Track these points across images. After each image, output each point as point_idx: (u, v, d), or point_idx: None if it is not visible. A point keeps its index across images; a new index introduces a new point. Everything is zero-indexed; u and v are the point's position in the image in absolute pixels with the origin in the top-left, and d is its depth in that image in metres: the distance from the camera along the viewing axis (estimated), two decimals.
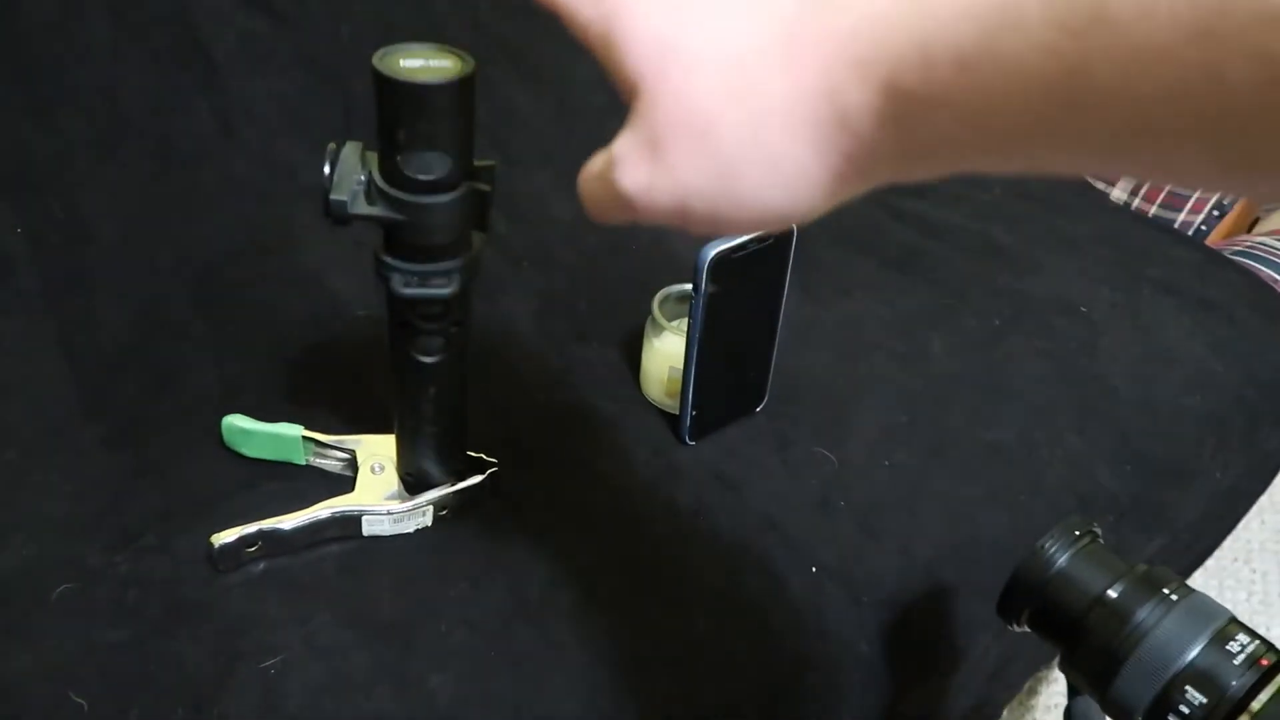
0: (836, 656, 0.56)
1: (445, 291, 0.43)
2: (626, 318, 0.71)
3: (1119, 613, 0.42)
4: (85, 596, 0.51)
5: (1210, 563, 0.99)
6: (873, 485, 0.63)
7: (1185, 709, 0.39)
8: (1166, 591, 0.42)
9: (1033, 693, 1.03)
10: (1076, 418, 0.69)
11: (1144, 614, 0.41)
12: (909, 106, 0.24)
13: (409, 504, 0.54)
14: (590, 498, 0.59)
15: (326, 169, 0.41)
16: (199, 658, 0.49)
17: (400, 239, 0.42)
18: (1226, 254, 0.92)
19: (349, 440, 0.57)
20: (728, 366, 0.63)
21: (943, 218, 0.91)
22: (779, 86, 0.26)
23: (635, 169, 0.28)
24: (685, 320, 0.60)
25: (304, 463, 0.58)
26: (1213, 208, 0.92)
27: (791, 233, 0.59)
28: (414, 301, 0.44)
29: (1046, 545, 0.45)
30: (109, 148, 0.73)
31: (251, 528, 0.52)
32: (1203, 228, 0.94)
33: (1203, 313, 0.80)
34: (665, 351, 0.64)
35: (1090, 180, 0.99)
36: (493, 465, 0.57)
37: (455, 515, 0.56)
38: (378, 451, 0.57)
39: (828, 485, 0.62)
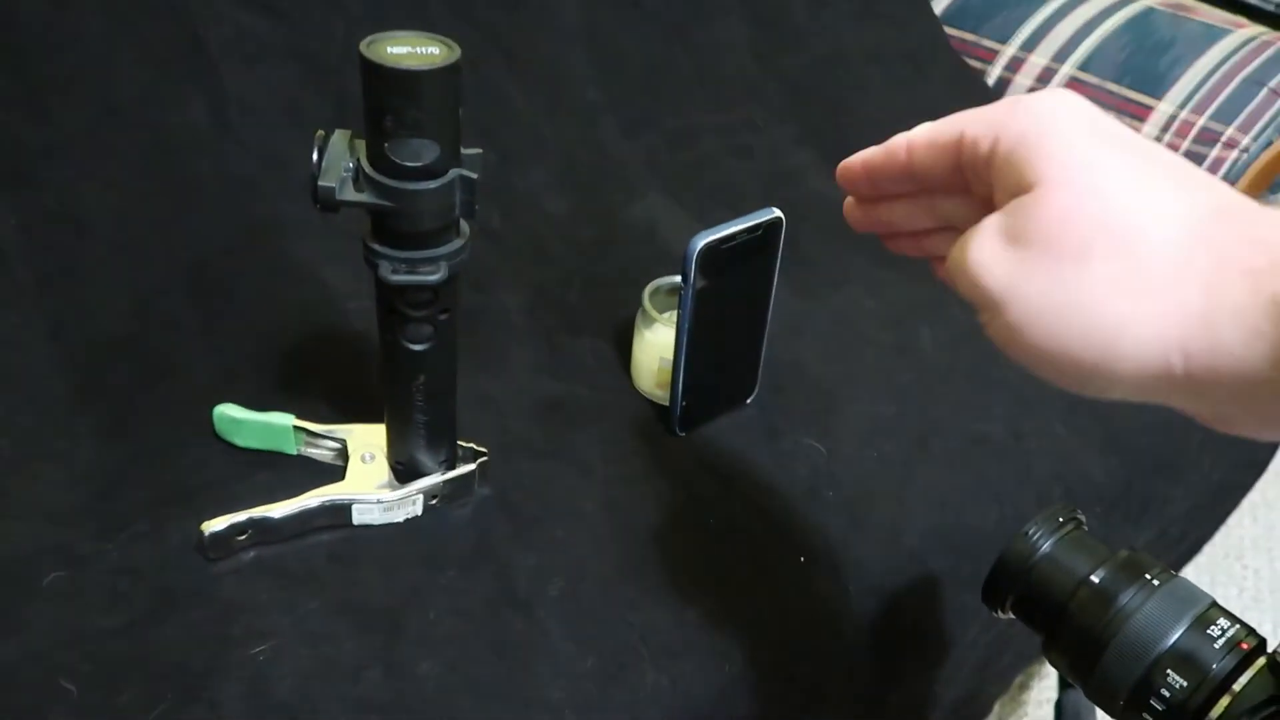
0: (824, 646, 0.57)
1: (433, 278, 0.44)
2: (618, 310, 0.71)
3: (1102, 597, 0.42)
4: (75, 583, 0.51)
5: (1202, 559, 1.00)
6: (861, 476, 0.63)
7: (1167, 692, 0.39)
8: (1149, 576, 0.42)
9: (1024, 688, 1.03)
10: (1064, 409, 0.70)
11: (1126, 598, 0.41)
12: None
13: (399, 493, 0.55)
14: (580, 488, 0.60)
15: (314, 156, 0.41)
16: (189, 644, 0.49)
17: (388, 226, 0.43)
18: None
19: (340, 429, 0.58)
20: (718, 358, 0.63)
21: None
22: (1168, 255, 0.27)
23: (987, 243, 0.29)
24: (675, 312, 0.60)
25: (295, 452, 0.59)
26: None
27: (780, 223, 0.60)
28: (402, 288, 0.45)
29: (1030, 532, 0.45)
30: (102, 139, 0.73)
31: (242, 516, 0.52)
32: None
33: None
34: (656, 343, 0.64)
35: None
36: (483, 455, 0.57)
37: (446, 504, 0.57)
38: (368, 441, 0.57)
39: (817, 476, 0.63)
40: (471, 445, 0.57)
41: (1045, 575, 0.44)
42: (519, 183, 0.85)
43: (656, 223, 0.84)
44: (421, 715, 0.48)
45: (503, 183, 0.84)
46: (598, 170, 0.89)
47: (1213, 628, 0.40)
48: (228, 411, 0.58)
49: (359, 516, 0.55)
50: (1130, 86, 0.95)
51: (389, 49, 0.38)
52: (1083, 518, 0.46)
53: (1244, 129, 0.90)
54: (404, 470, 0.55)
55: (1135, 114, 0.94)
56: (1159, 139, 0.93)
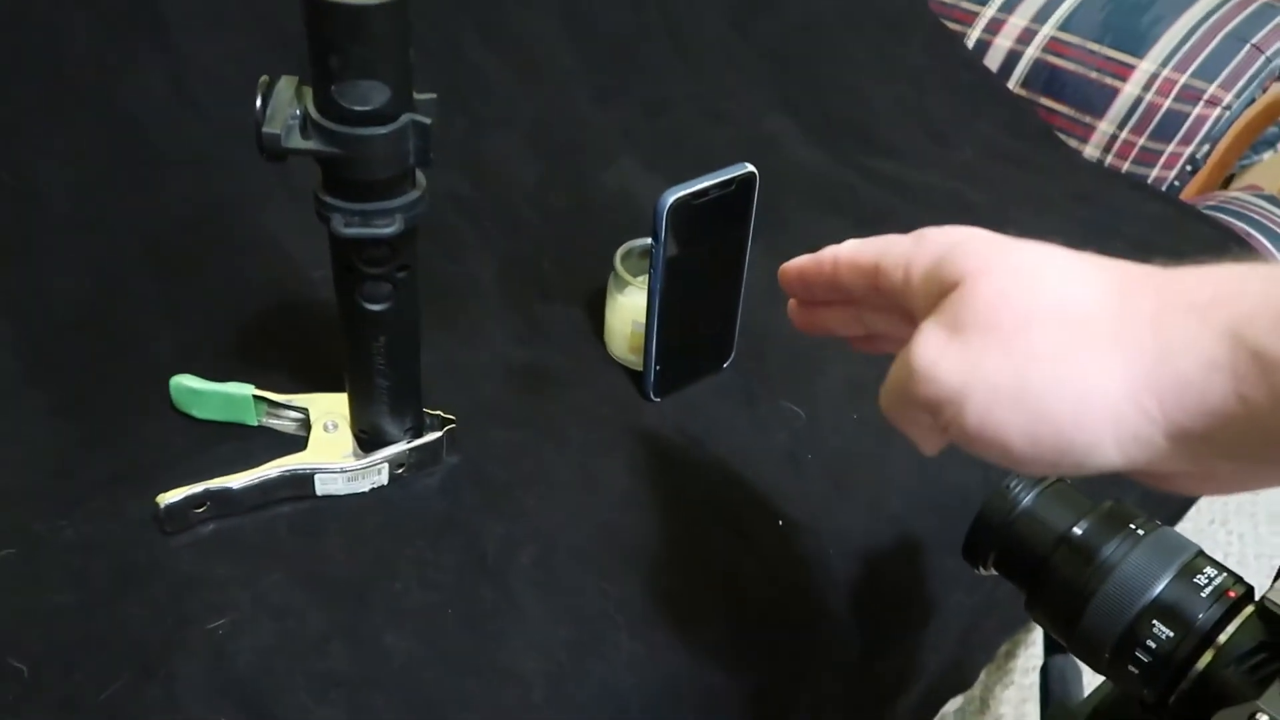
0: (806, 611, 0.55)
1: (388, 231, 0.42)
2: (590, 276, 0.70)
3: (1084, 549, 0.41)
4: (29, 562, 0.49)
5: (1186, 524, 0.99)
6: (841, 439, 0.62)
7: (1153, 643, 0.38)
8: (1133, 526, 0.41)
9: (1010, 656, 1.02)
10: None
11: (1110, 550, 0.40)
12: (1252, 363, 0.24)
13: (364, 461, 0.53)
14: (552, 455, 0.58)
15: (258, 103, 0.39)
16: (145, 620, 0.47)
17: (339, 175, 0.41)
18: (1201, 209, 0.91)
19: (302, 399, 0.56)
20: (692, 322, 0.61)
21: (915, 178, 0.90)
22: (1104, 308, 0.27)
23: (931, 344, 0.29)
24: (648, 275, 0.58)
25: (256, 423, 0.57)
26: (1185, 162, 0.91)
27: (754, 179, 0.58)
28: (357, 243, 0.43)
29: (1011, 486, 0.44)
30: (57, 111, 0.71)
31: (199, 487, 0.50)
32: (1176, 183, 0.93)
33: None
34: (629, 306, 0.62)
35: (1061, 138, 0.98)
36: (451, 422, 0.55)
37: (413, 473, 0.55)
38: (331, 410, 0.55)
39: (796, 439, 0.61)
40: (439, 413, 0.56)
41: (1026, 529, 0.43)
42: (490, 149, 0.83)
43: (630, 190, 0.83)
44: (389, 689, 0.46)
45: (473, 150, 0.82)
46: (571, 138, 0.87)
47: (1199, 576, 0.38)
48: (185, 382, 0.56)
49: (322, 487, 0.53)
50: (1111, 45, 0.93)
51: None
52: None
53: (1226, 86, 0.89)
54: (368, 439, 0.53)
55: (1117, 73, 0.93)
56: (1140, 98, 0.92)
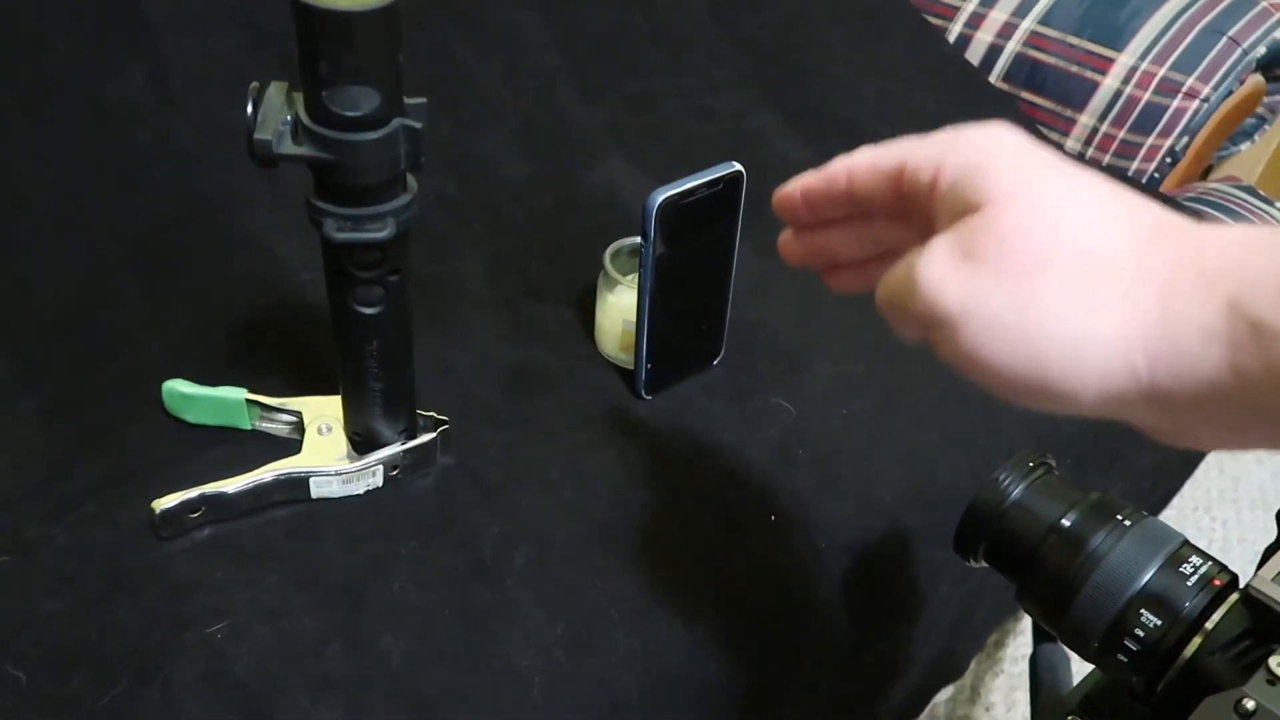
0: (798, 605, 0.56)
1: (380, 235, 0.42)
2: (580, 274, 0.70)
3: (1073, 540, 0.41)
4: (22, 568, 0.49)
5: (1170, 511, 1.00)
6: (831, 434, 0.62)
7: (1141, 631, 0.38)
8: (1120, 517, 0.41)
9: (1000, 645, 1.04)
10: None
11: (1098, 540, 0.41)
12: (1250, 333, 0.24)
13: (358, 464, 0.53)
14: (544, 454, 0.58)
15: (249, 108, 0.39)
16: (142, 626, 0.47)
17: (331, 180, 0.41)
18: (1180, 200, 0.92)
19: (295, 402, 0.56)
20: (682, 319, 0.62)
21: None
22: (1123, 260, 0.27)
23: (939, 261, 0.29)
24: (637, 273, 0.58)
25: (249, 427, 0.57)
26: (1165, 155, 0.92)
27: (741, 177, 0.59)
28: (349, 247, 0.43)
29: (1000, 478, 0.45)
30: (39, 112, 0.71)
31: (194, 492, 0.50)
32: (1156, 176, 0.94)
33: None
34: (619, 305, 0.63)
35: (1043, 130, 0.99)
36: (444, 423, 0.56)
37: (407, 474, 0.55)
38: (325, 412, 0.55)
39: (786, 435, 0.62)
40: (432, 414, 0.56)
41: (1016, 521, 0.44)
42: (476, 149, 0.83)
43: (617, 187, 0.83)
44: (387, 689, 0.46)
45: (460, 150, 0.82)
46: (556, 136, 0.87)
47: (1185, 565, 0.39)
48: (177, 387, 0.56)
49: (317, 490, 0.53)
50: (1091, 39, 0.94)
51: None
52: (1053, 463, 0.46)
53: (1204, 79, 0.90)
54: (362, 441, 0.54)
55: (1097, 66, 0.94)
56: (1120, 91, 0.93)
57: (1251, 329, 0.24)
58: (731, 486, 0.59)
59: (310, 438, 0.54)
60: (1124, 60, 0.92)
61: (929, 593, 0.62)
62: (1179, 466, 0.90)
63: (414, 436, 0.55)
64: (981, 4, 1.02)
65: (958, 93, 1.02)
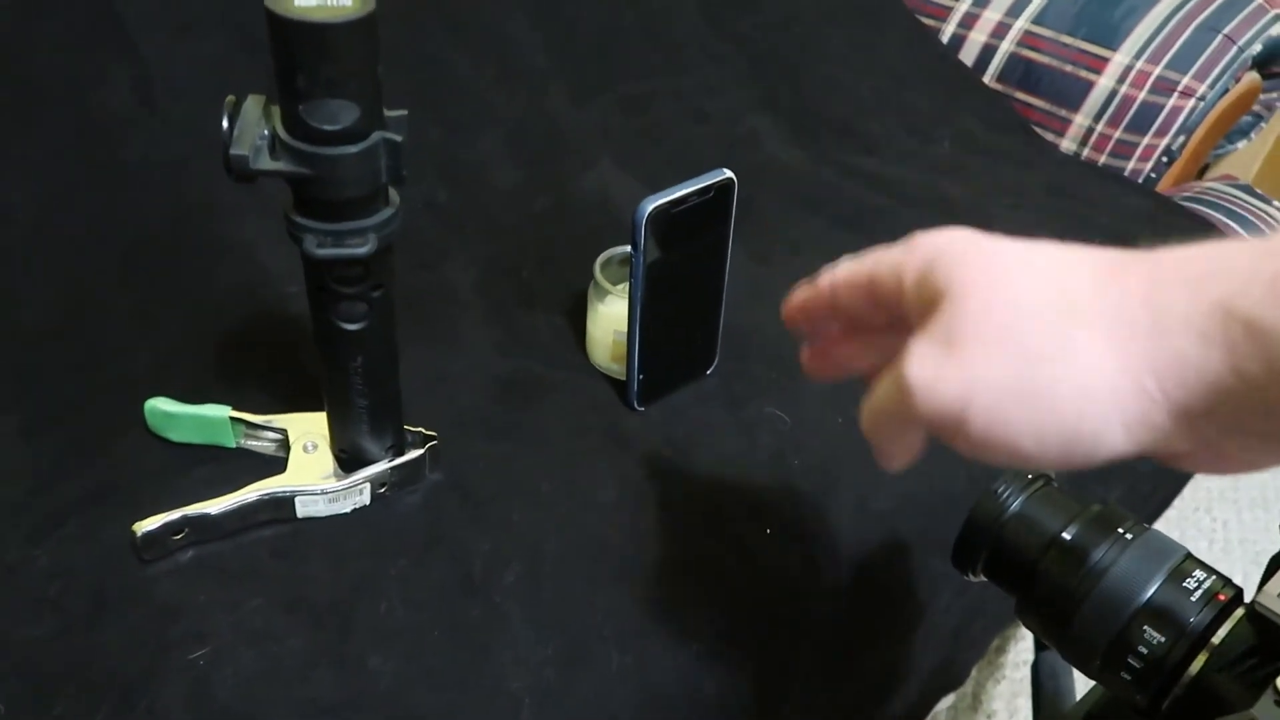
0: (796, 616, 0.55)
1: (362, 251, 0.41)
2: (571, 282, 0.69)
3: (1074, 555, 0.40)
4: (2, 592, 0.48)
5: (1171, 512, 0.99)
6: (827, 443, 0.61)
7: (1144, 648, 0.38)
8: (1121, 530, 0.40)
9: (1000, 651, 1.03)
10: None
11: (1099, 554, 0.40)
12: (1245, 333, 0.24)
13: (344, 482, 0.52)
14: (535, 468, 0.57)
15: (225, 123, 0.38)
16: (124, 650, 0.46)
17: (310, 196, 0.40)
18: (1177, 200, 0.91)
19: (280, 419, 0.55)
20: (675, 328, 0.61)
21: (893, 174, 0.90)
22: (1095, 293, 0.27)
23: (924, 360, 0.28)
24: (628, 283, 0.57)
25: (234, 445, 0.56)
26: (1161, 154, 0.91)
27: (732, 185, 0.58)
28: (330, 263, 0.42)
29: (999, 490, 0.44)
30: (22, 122, 0.69)
31: (176, 514, 0.49)
32: (1152, 175, 0.93)
33: None
34: (609, 315, 0.62)
35: (1038, 130, 0.98)
36: (433, 439, 0.55)
37: (395, 492, 0.54)
38: (310, 430, 0.54)
39: (782, 444, 0.61)
40: (420, 429, 0.55)
41: (1015, 534, 0.43)
42: (466, 155, 0.82)
43: (610, 192, 0.82)
44: (376, 713, 0.45)
45: (449, 155, 0.81)
46: (548, 140, 0.86)
47: (1189, 580, 0.38)
48: (160, 406, 0.55)
49: (303, 509, 0.52)
50: (1085, 39, 0.93)
51: (296, 1, 0.35)
52: (1053, 474, 0.45)
53: (1200, 77, 0.89)
54: (349, 459, 0.53)
55: (1091, 66, 0.93)
56: (1116, 90, 0.92)
57: (1246, 329, 0.24)
58: (726, 497, 0.58)
59: (296, 456, 0.53)
60: (1119, 59, 0.91)
61: (928, 603, 0.61)
62: (1178, 471, 0.89)
63: (402, 453, 0.54)
64: (975, 4, 1.01)
65: (952, 93, 1.02)
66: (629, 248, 0.57)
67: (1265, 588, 0.36)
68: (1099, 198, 0.89)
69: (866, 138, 0.95)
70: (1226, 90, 0.91)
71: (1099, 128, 0.93)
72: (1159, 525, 1.01)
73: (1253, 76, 0.95)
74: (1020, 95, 0.98)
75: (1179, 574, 0.39)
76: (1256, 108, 0.99)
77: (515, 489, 0.56)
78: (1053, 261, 0.29)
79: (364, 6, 0.36)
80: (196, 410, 0.54)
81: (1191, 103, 0.89)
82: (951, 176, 0.90)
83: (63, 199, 0.69)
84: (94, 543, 0.51)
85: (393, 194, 0.42)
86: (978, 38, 1.01)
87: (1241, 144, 1.04)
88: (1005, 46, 0.98)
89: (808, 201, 0.85)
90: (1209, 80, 0.89)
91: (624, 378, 0.62)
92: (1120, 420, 0.26)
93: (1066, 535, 0.41)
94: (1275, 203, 0.94)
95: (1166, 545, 0.40)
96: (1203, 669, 0.36)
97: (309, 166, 0.38)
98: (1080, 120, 0.94)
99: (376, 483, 0.53)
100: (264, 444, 0.55)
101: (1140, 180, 0.94)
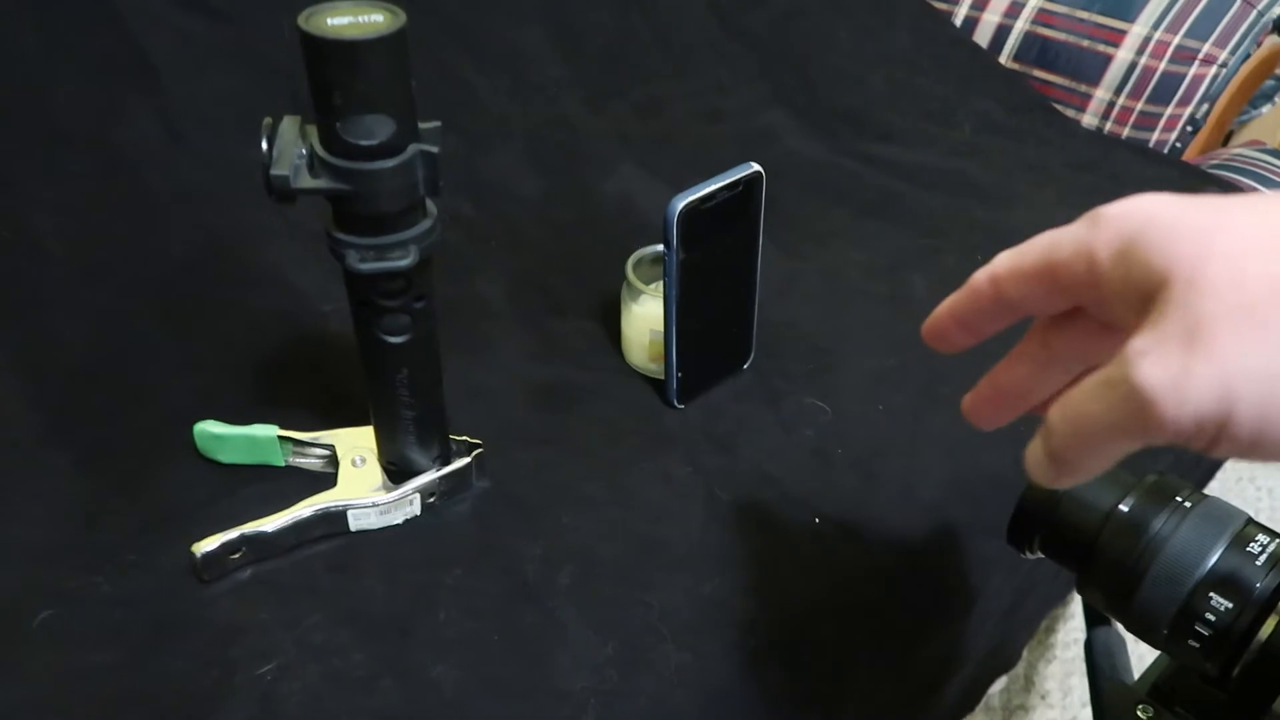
0: (847, 606, 0.55)
1: (404, 263, 0.41)
2: (602, 288, 0.69)
3: (1133, 526, 0.40)
4: (67, 621, 0.49)
5: (1215, 484, 0.98)
6: (869, 431, 0.61)
7: (1211, 616, 0.37)
8: (1179, 499, 0.40)
9: (1050, 631, 1.02)
10: None
11: (1159, 524, 0.40)
12: None
13: (395, 494, 0.53)
14: (580, 471, 0.58)
15: (264, 145, 0.39)
16: (191, 672, 0.47)
17: (350, 211, 0.40)
18: (1205, 168, 0.90)
19: (327, 435, 0.55)
20: (710, 324, 0.61)
21: (914, 160, 0.90)
22: None
23: (1161, 362, 0.24)
24: (661, 282, 0.58)
25: (283, 464, 0.56)
26: (1186, 123, 0.91)
27: (760, 178, 0.58)
28: (373, 278, 0.42)
29: None
30: (51, 162, 0.71)
31: (233, 533, 0.50)
32: (1178, 145, 0.92)
33: None
34: (644, 315, 0.62)
35: (1058, 108, 0.97)
36: (478, 446, 0.55)
37: (444, 501, 0.55)
38: (358, 444, 0.55)
39: (823, 435, 0.61)
40: (465, 438, 0.55)
41: (1071, 509, 0.43)
42: (487, 168, 0.83)
43: (632, 196, 0.82)
44: None
45: (471, 170, 0.82)
46: (567, 148, 0.86)
47: (1253, 544, 0.38)
48: (208, 428, 0.55)
49: (355, 522, 0.53)
50: (1101, 12, 0.93)
51: (329, 20, 0.36)
52: None
53: (1220, 43, 0.88)
54: (397, 470, 0.53)
55: (1109, 39, 0.93)
56: (1135, 62, 0.91)
57: None
58: (772, 491, 0.58)
59: (345, 470, 0.54)
60: (1137, 30, 0.91)
61: (981, 586, 0.60)
62: None
63: (448, 462, 0.54)
64: None
65: (968, 76, 1.01)
66: (660, 247, 0.57)
67: None
68: (1125, 171, 0.88)
69: (884, 126, 0.95)
70: (1248, 55, 0.90)
71: (1120, 101, 0.93)
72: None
73: (1274, 40, 0.94)
74: (1038, 73, 0.97)
75: (1242, 539, 0.38)
76: (1279, 71, 0.98)
77: (562, 493, 0.56)
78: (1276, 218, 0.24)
79: (395, 22, 0.36)
80: (245, 431, 0.55)
81: (1213, 70, 0.89)
82: (973, 159, 0.89)
83: (94, 234, 0.70)
84: (153, 568, 0.51)
85: (430, 205, 0.43)
86: (991, 19, 1.00)
87: (1266, 108, 1.03)
88: (1020, 25, 0.98)
89: (830, 192, 0.85)
90: (1230, 46, 0.88)
91: (661, 377, 0.62)
92: None
93: (1124, 507, 0.41)
94: None
95: (1227, 511, 0.40)
96: (1273, 634, 0.36)
97: (348, 182, 0.39)
98: (1101, 94, 0.93)
99: (426, 493, 0.53)
100: (312, 460, 0.56)
101: (1165, 151, 0.93)
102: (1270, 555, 0.38)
